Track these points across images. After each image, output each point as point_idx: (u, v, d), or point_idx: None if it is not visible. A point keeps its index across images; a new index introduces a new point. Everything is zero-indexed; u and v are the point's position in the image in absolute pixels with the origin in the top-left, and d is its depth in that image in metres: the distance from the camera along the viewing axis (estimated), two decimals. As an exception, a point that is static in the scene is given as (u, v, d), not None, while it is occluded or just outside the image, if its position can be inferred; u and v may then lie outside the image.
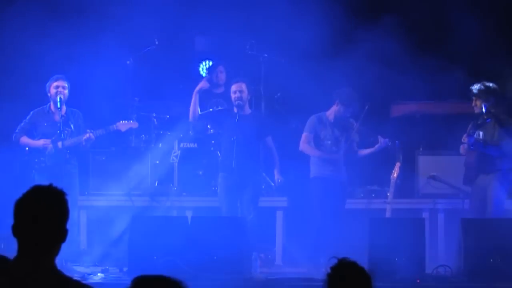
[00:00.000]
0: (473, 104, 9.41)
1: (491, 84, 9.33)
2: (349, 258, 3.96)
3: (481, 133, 9.25)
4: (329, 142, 9.60)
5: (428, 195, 10.11)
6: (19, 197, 3.30)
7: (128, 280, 9.41)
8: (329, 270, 3.94)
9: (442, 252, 9.64)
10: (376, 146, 9.55)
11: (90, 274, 8.96)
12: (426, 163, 10.28)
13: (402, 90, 10.50)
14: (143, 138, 10.52)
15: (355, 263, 3.95)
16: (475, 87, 9.34)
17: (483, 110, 9.32)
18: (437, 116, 10.62)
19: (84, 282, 3.38)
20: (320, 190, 9.50)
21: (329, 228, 9.40)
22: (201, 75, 11.91)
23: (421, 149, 10.40)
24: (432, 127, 10.08)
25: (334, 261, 3.94)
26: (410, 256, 8.49)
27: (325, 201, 9.41)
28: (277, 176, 9.65)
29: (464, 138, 9.40)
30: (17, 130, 9.70)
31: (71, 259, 9.13)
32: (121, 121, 9.84)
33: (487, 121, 9.33)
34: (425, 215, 9.76)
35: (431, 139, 10.20)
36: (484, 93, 9.32)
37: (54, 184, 3.34)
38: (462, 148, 9.46)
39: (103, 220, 10.19)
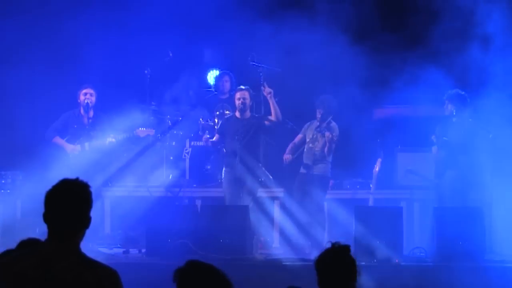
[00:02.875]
0: (445, 107, 9.43)
1: (462, 92, 9.36)
2: (340, 242, 3.95)
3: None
4: (309, 140, 9.74)
5: (405, 186, 10.08)
6: (49, 188, 3.29)
7: (146, 260, 9.35)
8: (319, 254, 3.95)
9: (417, 236, 9.61)
10: None
11: (113, 255, 8.99)
12: (404, 159, 10.27)
13: (383, 96, 10.49)
14: (159, 137, 10.52)
15: (341, 247, 3.94)
16: (449, 93, 9.36)
17: (454, 113, 9.34)
18: (413, 118, 10.61)
19: (107, 262, 3.37)
20: (299, 183, 9.71)
21: (317, 215, 9.49)
22: (209, 83, 11.93)
23: (399, 146, 10.40)
24: (409, 128, 10.06)
25: (329, 244, 3.93)
26: (390, 239, 8.50)
27: (304, 193, 9.57)
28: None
29: (433, 138, 9.44)
30: (50, 129, 9.77)
31: (96, 242, 9.16)
32: (140, 128, 9.92)
33: (455, 122, 9.36)
34: (403, 204, 9.73)
35: (408, 138, 10.18)
36: (456, 98, 9.33)
37: (81, 177, 3.35)
38: (434, 149, 9.52)
39: (124, 208, 10.22)
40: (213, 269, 3.24)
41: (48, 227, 3.28)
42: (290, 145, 9.91)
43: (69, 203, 3.25)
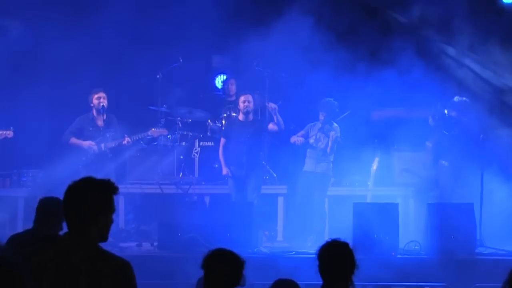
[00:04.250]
0: (447, 111, 9.44)
1: (464, 98, 9.37)
2: (339, 239, 4.05)
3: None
4: (313, 140, 9.72)
5: (401, 184, 10.11)
6: (67, 186, 3.31)
7: (158, 252, 9.32)
8: (320, 246, 4.04)
9: (412, 230, 9.61)
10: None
11: (127, 248, 9.04)
12: (399, 158, 10.28)
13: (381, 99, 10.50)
14: (170, 138, 10.56)
15: (341, 242, 4.03)
16: (452, 101, 9.38)
17: (452, 115, 9.36)
18: (409, 120, 10.61)
19: (121, 254, 3.40)
20: (302, 181, 9.69)
21: (318, 211, 9.51)
22: (216, 86, 11.96)
23: (395, 146, 10.42)
24: (405, 129, 10.07)
25: (328, 240, 4.05)
26: (386, 233, 8.51)
27: (307, 190, 9.56)
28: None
29: (428, 144, 9.45)
30: (66, 133, 9.78)
31: (111, 236, 9.19)
32: (153, 129, 9.95)
33: (454, 123, 9.37)
34: (399, 200, 9.75)
35: (404, 139, 10.19)
36: (457, 105, 9.34)
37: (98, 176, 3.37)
38: (428, 144, 9.53)
39: (137, 204, 10.25)
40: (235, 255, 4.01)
41: (66, 221, 3.32)
42: (292, 137, 9.89)
43: (86, 199, 3.27)
